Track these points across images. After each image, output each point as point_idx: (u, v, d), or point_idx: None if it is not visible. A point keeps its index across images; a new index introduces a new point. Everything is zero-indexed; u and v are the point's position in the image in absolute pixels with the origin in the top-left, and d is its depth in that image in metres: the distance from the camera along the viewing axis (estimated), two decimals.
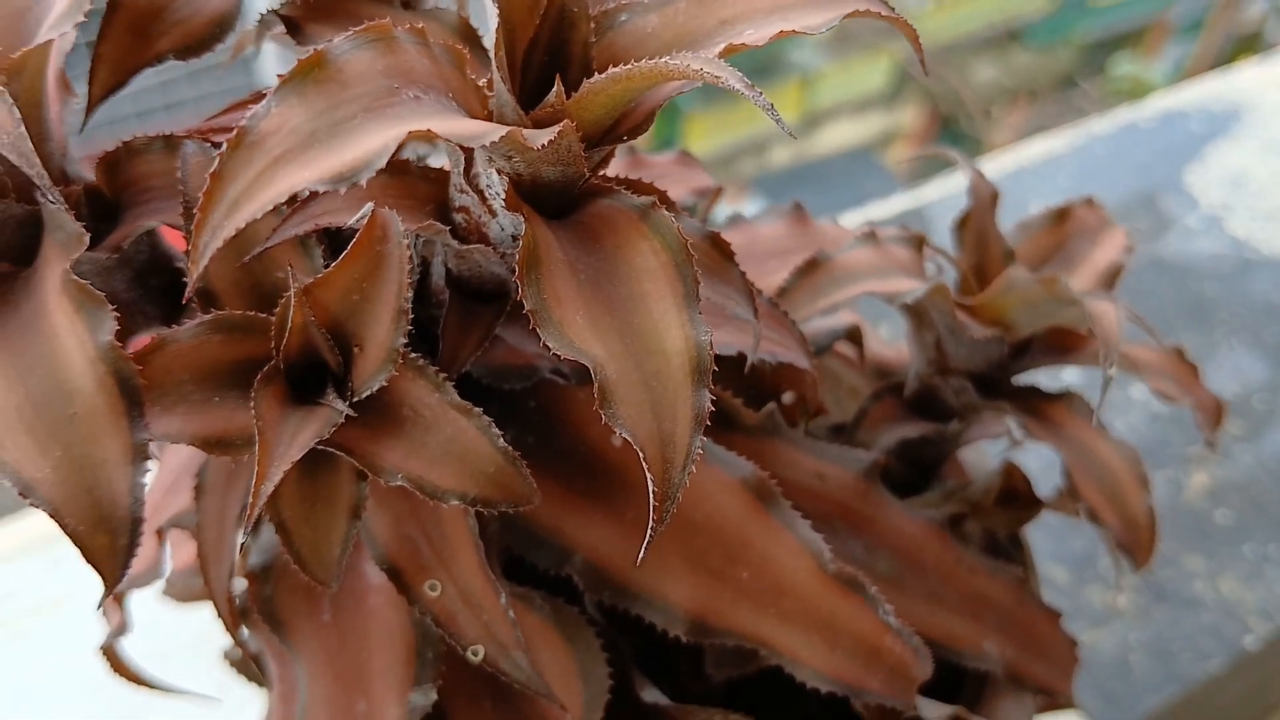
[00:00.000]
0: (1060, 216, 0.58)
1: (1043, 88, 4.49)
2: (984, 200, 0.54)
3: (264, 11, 0.40)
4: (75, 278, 0.33)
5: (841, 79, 3.81)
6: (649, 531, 0.31)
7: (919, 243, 0.54)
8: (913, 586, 0.51)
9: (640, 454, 0.31)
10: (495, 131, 0.30)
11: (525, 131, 0.31)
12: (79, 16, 0.35)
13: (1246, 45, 4.88)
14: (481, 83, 0.35)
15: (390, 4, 0.41)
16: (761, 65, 3.58)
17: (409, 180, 0.37)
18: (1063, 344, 0.54)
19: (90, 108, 0.39)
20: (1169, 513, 0.89)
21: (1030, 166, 1.12)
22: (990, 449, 0.65)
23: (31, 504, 0.32)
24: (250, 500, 0.33)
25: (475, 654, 0.40)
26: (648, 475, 0.31)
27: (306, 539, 0.37)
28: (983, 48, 4.75)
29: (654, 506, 0.31)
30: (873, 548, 0.50)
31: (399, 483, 0.35)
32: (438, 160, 0.42)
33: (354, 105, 0.30)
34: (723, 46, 0.33)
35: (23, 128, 0.32)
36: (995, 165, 1.13)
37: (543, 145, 0.31)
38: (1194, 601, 0.84)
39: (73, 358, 0.32)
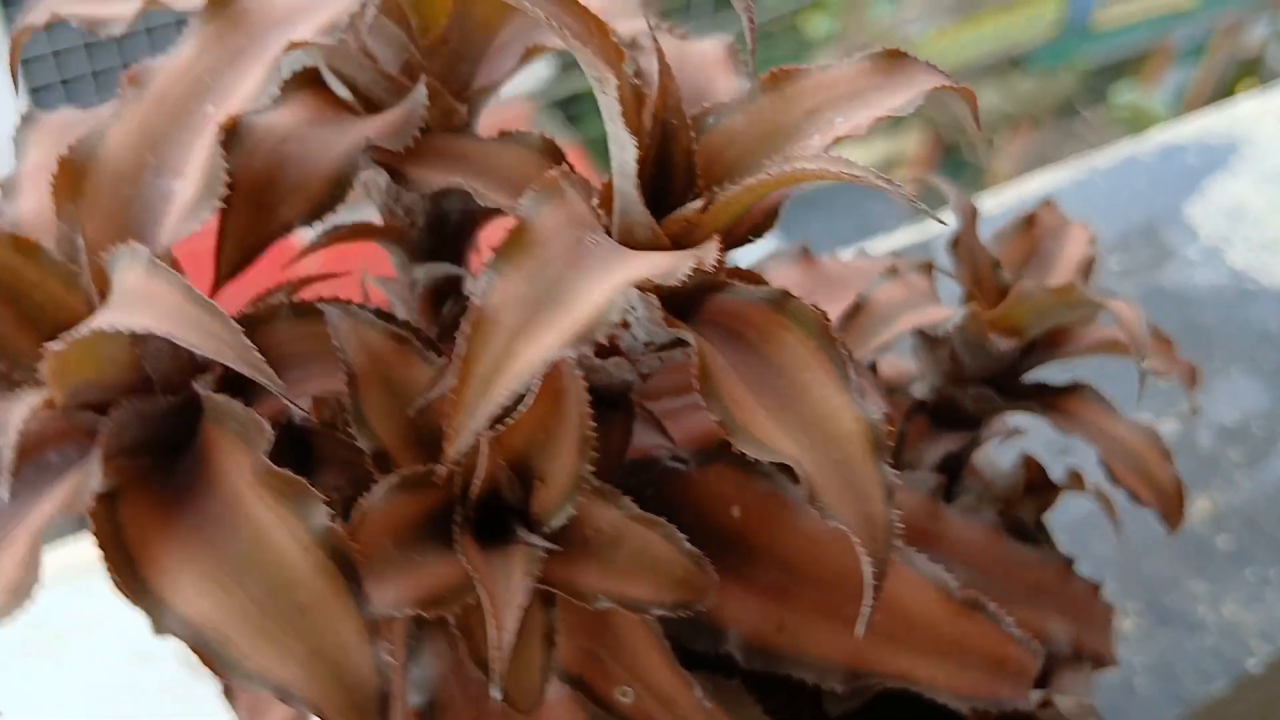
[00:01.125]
0: (1028, 222, 0.62)
1: (1045, 114, 4.53)
2: (968, 217, 0.57)
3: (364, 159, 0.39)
4: (272, 467, 0.32)
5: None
6: (865, 609, 0.32)
7: (929, 268, 0.58)
8: (986, 589, 0.52)
9: (852, 539, 0.32)
10: (687, 262, 0.31)
11: (681, 254, 0.33)
12: (210, 207, 0.35)
13: (1248, 70, 4.92)
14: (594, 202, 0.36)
15: (467, 135, 0.42)
16: None
17: None
18: (1059, 340, 0.58)
19: (216, 287, 0.39)
20: (1171, 537, 0.91)
21: (1032, 200, 1.15)
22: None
23: (291, 705, 0.31)
24: (493, 653, 0.34)
25: None
26: (862, 557, 0.32)
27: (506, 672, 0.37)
28: (985, 74, 4.78)
29: (871, 585, 0.32)
30: (949, 562, 0.52)
31: (605, 605, 0.36)
32: None
33: (557, 263, 0.31)
34: (828, 140, 0.35)
35: (241, 334, 0.31)
36: (997, 200, 1.17)
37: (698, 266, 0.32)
38: (1197, 624, 0.86)
39: (285, 548, 0.32)
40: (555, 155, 0.40)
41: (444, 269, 0.47)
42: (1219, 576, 0.89)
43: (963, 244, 0.56)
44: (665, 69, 0.35)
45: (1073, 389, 0.58)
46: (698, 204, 0.35)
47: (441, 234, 0.47)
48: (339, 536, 0.32)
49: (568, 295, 0.30)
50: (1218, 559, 0.90)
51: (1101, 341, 0.55)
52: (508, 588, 0.35)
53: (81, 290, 0.34)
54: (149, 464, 0.34)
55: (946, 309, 0.54)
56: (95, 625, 0.80)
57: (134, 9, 0.39)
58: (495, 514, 0.38)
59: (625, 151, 0.33)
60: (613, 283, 0.30)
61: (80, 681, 0.78)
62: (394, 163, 0.40)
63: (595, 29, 0.33)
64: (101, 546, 0.32)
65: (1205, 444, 0.96)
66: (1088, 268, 0.58)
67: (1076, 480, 0.59)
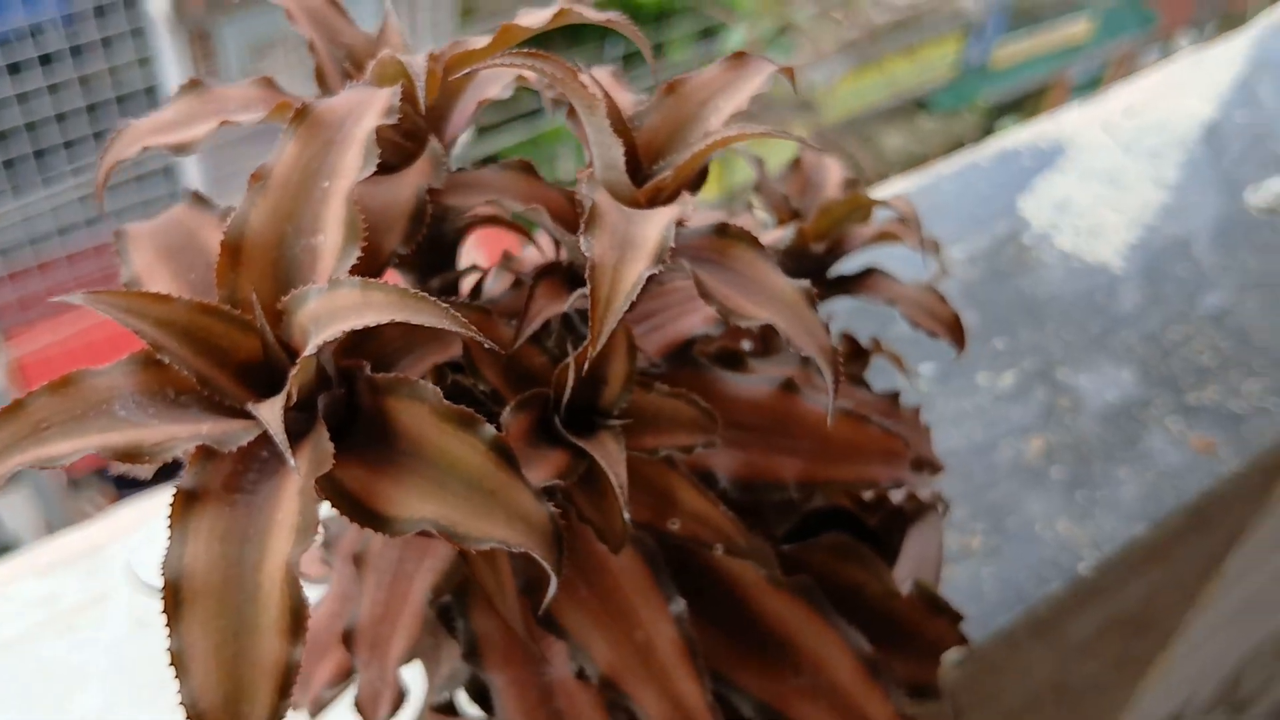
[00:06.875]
0: (796, 165, 0.78)
1: (949, 153, 4.82)
2: (761, 169, 0.76)
3: None
4: (450, 405, 0.43)
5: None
6: (829, 410, 0.50)
7: (750, 206, 0.78)
8: (835, 452, 0.65)
9: (817, 359, 0.48)
10: (687, 207, 0.49)
11: (679, 205, 0.49)
12: (357, 247, 0.45)
13: None
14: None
15: (471, 170, 0.56)
16: None
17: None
18: (845, 241, 0.75)
19: None
20: (1013, 472, 1.12)
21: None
22: None
23: (512, 551, 0.42)
24: (618, 492, 0.48)
25: None
26: (825, 372, 0.48)
27: (598, 520, 0.51)
28: (890, 116, 5.06)
29: (832, 391, 0.49)
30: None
31: (664, 454, 0.52)
32: None
33: (620, 223, 0.46)
34: (722, 118, 0.52)
35: (448, 308, 0.41)
36: None
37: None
38: (1035, 539, 1.06)
39: (470, 457, 0.43)
40: (531, 170, 0.57)
41: (453, 275, 0.63)
42: (1054, 501, 1.10)
43: (763, 187, 0.76)
44: (608, 96, 0.51)
45: (868, 272, 0.75)
46: (668, 173, 0.51)
47: (440, 250, 0.62)
48: (504, 440, 0.43)
49: (638, 238, 0.45)
50: (1053, 487, 1.11)
51: (876, 233, 0.73)
52: (611, 455, 0.50)
53: (256, 333, 0.45)
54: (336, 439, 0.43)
55: (779, 231, 0.74)
56: (102, 599, 0.97)
57: (209, 130, 0.53)
58: (575, 414, 0.52)
59: (613, 150, 0.51)
60: (661, 224, 0.46)
61: (91, 649, 0.95)
62: (435, 198, 0.54)
63: (572, 77, 0.50)
64: (335, 505, 0.42)
65: (1040, 396, 1.17)
66: (851, 184, 0.76)
67: (876, 346, 0.77)
